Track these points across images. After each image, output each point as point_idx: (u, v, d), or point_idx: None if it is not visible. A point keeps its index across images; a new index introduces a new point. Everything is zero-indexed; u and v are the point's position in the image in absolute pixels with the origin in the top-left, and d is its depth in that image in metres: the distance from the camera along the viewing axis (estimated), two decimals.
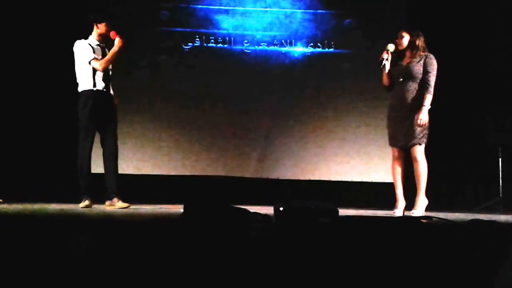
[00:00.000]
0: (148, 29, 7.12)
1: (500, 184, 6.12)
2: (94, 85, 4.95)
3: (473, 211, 5.72)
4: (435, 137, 6.08)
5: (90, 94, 4.95)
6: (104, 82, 4.99)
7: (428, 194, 4.92)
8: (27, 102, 6.61)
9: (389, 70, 4.89)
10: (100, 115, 4.97)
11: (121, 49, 4.96)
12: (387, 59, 4.84)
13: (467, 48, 6.64)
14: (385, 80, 4.91)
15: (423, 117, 4.66)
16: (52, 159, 6.60)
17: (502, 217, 4.88)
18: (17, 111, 6.58)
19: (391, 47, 4.84)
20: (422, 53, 4.78)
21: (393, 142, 4.89)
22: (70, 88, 5.13)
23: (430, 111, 4.75)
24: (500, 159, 6.21)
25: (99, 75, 4.96)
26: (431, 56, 4.76)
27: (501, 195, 6.08)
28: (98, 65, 4.91)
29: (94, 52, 4.95)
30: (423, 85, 4.70)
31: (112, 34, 4.98)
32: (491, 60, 6.57)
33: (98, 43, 5.02)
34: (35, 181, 6.35)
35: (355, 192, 6.87)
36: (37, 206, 4.59)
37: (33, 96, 6.61)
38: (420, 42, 4.79)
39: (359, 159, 7.10)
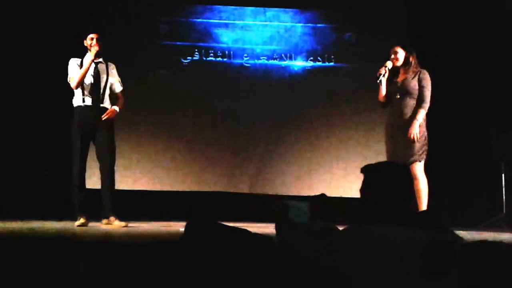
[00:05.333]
0: (147, 43, 7.06)
1: (504, 200, 6.05)
2: (83, 101, 4.91)
3: (476, 228, 5.65)
4: (438, 151, 6.04)
5: (79, 110, 4.92)
6: (93, 96, 4.93)
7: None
8: (23, 118, 6.54)
9: (386, 87, 4.86)
10: (90, 131, 4.91)
11: (93, 59, 4.90)
12: (383, 75, 4.82)
13: (469, 62, 6.60)
14: (381, 96, 4.87)
15: (414, 131, 4.60)
16: (47, 175, 6.54)
17: (506, 235, 4.81)
18: (12, 126, 6.51)
19: (389, 64, 4.82)
20: (415, 69, 4.79)
21: (393, 160, 4.82)
22: (66, 104, 5.08)
23: (431, 125, 4.77)
24: (503, 175, 6.14)
25: (88, 90, 4.91)
26: (425, 71, 4.76)
27: (504, 211, 6.00)
28: (71, 83, 4.89)
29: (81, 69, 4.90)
30: (418, 100, 4.69)
31: (92, 45, 4.93)
32: (494, 73, 6.52)
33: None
34: (29, 197, 6.29)
35: (356, 209, 6.78)
36: (32, 225, 4.52)
37: (29, 111, 6.54)
38: (413, 58, 4.81)
39: (359, 175, 7.01)
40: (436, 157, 6.07)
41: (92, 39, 4.95)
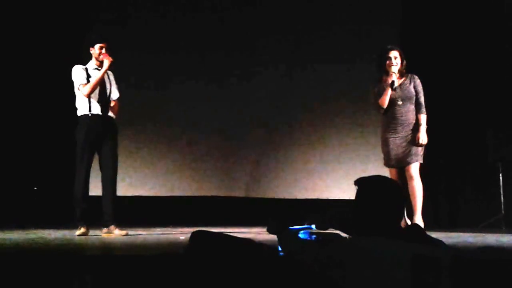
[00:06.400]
0: (146, 52, 7.04)
1: (502, 200, 6.07)
2: (90, 110, 4.88)
3: (475, 229, 5.66)
4: (436, 153, 6.07)
5: (86, 119, 4.89)
6: (101, 105, 4.91)
7: (428, 212, 4.91)
8: (26, 126, 6.54)
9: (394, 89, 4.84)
10: (97, 140, 4.89)
11: (108, 68, 4.91)
12: (395, 82, 4.80)
13: (465, 65, 6.61)
14: (385, 102, 4.83)
15: (424, 137, 4.76)
16: (48, 182, 6.55)
17: (506, 236, 4.84)
18: (14, 134, 6.51)
19: (395, 69, 4.81)
20: (405, 73, 4.88)
21: (393, 163, 4.85)
22: (70, 112, 5.07)
23: (428, 127, 4.84)
24: (500, 175, 6.15)
25: (95, 98, 4.89)
26: (416, 76, 4.88)
27: (503, 211, 6.02)
28: (84, 90, 4.85)
29: (89, 76, 4.89)
30: (417, 106, 4.82)
31: (103, 55, 4.91)
32: (490, 76, 6.53)
33: (96, 67, 4.97)
34: (29, 205, 6.30)
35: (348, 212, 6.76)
36: (32, 235, 4.50)
37: (32, 119, 6.55)
38: (405, 61, 4.87)
39: (355, 177, 6.94)
40: (434, 158, 6.10)
41: (101, 48, 4.94)
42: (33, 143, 6.52)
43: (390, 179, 2.63)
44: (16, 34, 6.52)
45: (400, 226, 2.30)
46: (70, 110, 5.03)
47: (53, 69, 6.28)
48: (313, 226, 2.66)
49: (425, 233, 2.20)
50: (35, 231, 4.93)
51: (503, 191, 6.11)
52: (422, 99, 4.82)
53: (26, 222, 5.58)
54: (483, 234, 5.03)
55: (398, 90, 4.80)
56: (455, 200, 6.69)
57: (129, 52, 6.83)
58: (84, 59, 5.06)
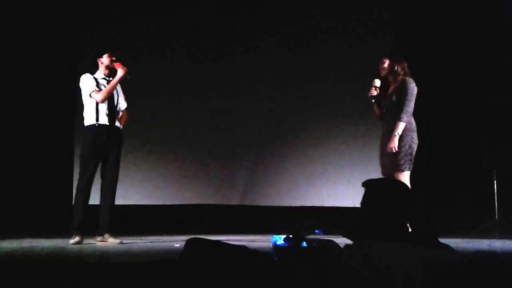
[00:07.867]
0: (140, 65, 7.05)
1: (496, 207, 6.08)
2: (97, 120, 4.89)
3: (469, 235, 5.68)
4: (430, 159, 6.08)
5: (92, 128, 4.89)
6: (109, 115, 4.91)
7: (423, 218, 4.86)
8: (26, 135, 6.54)
9: (379, 101, 4.80)
10: (102, 149, 4.90)
11: (122, 78, 4.91)
12: (375, 96, 4.71)
13: (459, 72, 6.63)
14: (376, 112, 4.82)
15: (392, 145, 4.48)
16: (42, 191, 6.53)
17: (498, 243, 4.86)
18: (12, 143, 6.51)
19: (377, 82, 4.70)
20: (402, 78, 4.64)
21: (384, 171, 4.80)
22: (69, 121, 5.07)
23: (423, 133, 4.74)
24: (495, 181, 6.17)
25: (103, 108, 4.89)
26: (408, 79, 4.60)
27: (496, 217, 6.03)
28: (98, 96, 4.84)
29: (98, 85, 4.90)
30: (398, 112, 4.56)
31: (116, 65, 4.92)
32: (485, 82, 6.56)
33: (104, 76, 4.98)
34: (24, 213, 6.28)
35: (349, 219, 6.77)
36: (25, 244, 4.48)
37: (26, 131, 6.54)
38: (399, 67, 4.65)
39: (351, 185, 6.94)
40: (429, 164, 6.12)
41: (110, 57, 4.95)
42: (29, 153, 6.50)
43: (399, 181, 2.60)
44: (13, 39, 6.54)
45: (408, 230, 2.27)
46: (68, 119, 5.03)
47: (53, 76, 6.28)
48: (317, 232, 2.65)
49: (434, 236, 2.17)
50: (28, 240, 4.91)
51: (497, 197, 6.12)
52: (404, 104, 4.51)
53: (20, 231, 5.56)
54: (477, 240, 5.05)
55: (387, 98, 4.70)
56: (450, 206, 6.69)
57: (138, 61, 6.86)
58: (83, 66, 5.07)
